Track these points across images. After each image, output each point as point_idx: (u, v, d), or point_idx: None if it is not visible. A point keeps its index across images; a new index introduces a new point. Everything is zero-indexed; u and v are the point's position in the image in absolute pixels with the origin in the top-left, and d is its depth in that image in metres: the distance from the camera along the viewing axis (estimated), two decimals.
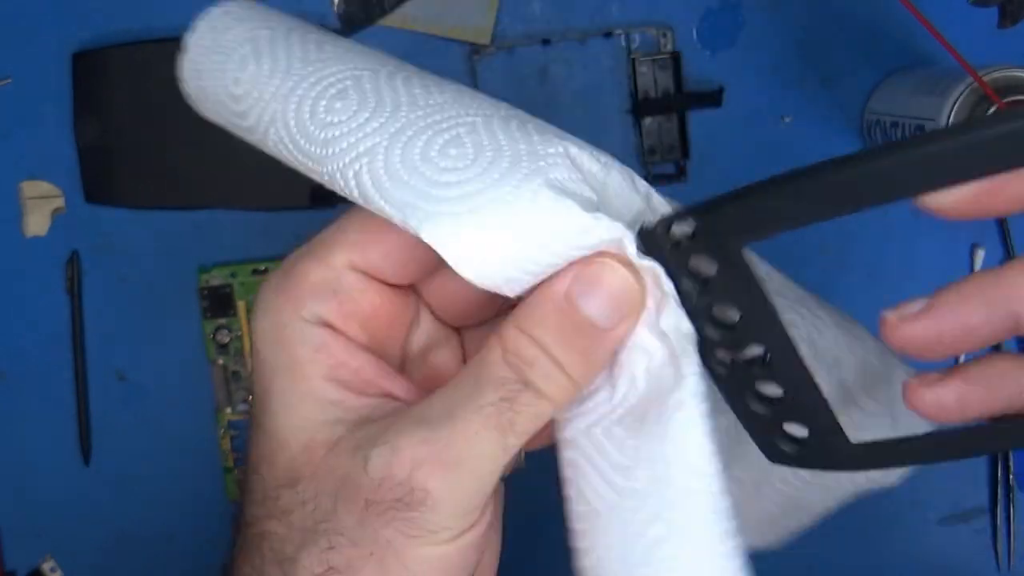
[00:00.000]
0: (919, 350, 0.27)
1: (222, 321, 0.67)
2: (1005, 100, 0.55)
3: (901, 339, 0.27)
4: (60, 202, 0.67)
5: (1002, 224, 0.66)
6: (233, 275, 0.67)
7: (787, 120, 0.66)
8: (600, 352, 0.30)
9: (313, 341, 0.32)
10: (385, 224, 0.30)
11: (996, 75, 0.56)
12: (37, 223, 0.67)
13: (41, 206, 0.67)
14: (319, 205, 0.66)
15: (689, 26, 0.65)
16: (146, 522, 0.69)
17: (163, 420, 0.68)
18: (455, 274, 0.29)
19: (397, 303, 0.34)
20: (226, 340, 0.67)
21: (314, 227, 0.67)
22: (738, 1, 0.65)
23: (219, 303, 0.66)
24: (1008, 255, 0.66)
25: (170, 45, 0.65)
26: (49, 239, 0.67)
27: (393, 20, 0.65)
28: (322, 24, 0.65)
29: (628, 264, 0.29)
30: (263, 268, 0.66)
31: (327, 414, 0.31)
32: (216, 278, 0.67)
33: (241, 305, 0.66)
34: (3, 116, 0.66)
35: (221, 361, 0.67)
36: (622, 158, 0.33)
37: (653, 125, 0.65)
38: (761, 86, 0.65)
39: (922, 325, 0.27)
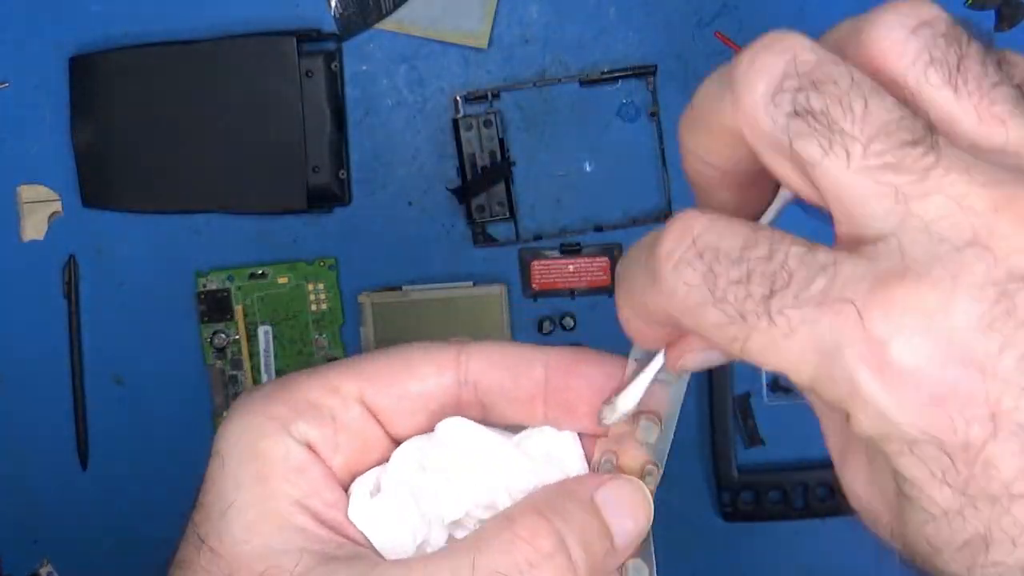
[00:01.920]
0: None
1: (219, 325, 0.67)
2: None
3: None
4: (57, 206, 0.67)
5: None
6: (230, 279, 0.66)
7: None
8: (604, 572, 0.28)
9: (293, 460, 0.29)
10: (407, 370, 0.30)
11: None
12: (34, 227, 0.67)
13: (38, 210, 0.67)
14: (316, 208, 0.66)
15: None
16: (143, 526, 0.68)
17: (160, 424, 0.68)
18: None
19: (386, 444, 0.31)
20: (223, 344, 0.67)
21: (311, 230, 0.67)
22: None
23: (216, 307, 0.66)
24: None
25: (167, 49, 0.65)
26: (46, 243, 0.67)
27: (390, 24, 0.65)
28: (319, 28, 0.65)
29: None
30: (260, 272, 0.66)
31: (291, 542, 0.28)
32: (213, 282, 0.66)
33: (238, 309, 0.66)
34: (0, 120, 0.66)
35: (218, 365, 0.67)
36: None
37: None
38: None
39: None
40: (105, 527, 0.69)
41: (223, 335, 0.67)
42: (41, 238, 0.67)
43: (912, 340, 0.20)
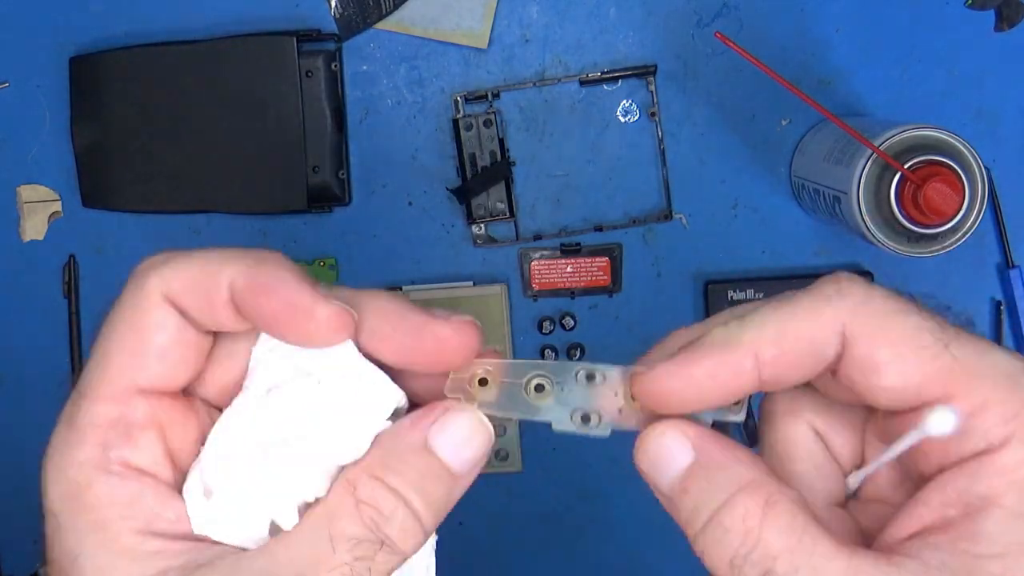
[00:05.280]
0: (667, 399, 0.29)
1: None
2: (907, 164, 0.53)
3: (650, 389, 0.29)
4: (57, 206, 0.67)
5: (1000, 228, 0.66)
6: None
7: (785, 123, 0.66)
8: (452, 501, 0.29)
9: (122, 497, 0.29)
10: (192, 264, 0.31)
11: (906, 135, 0.54)
12: (34, 227, 0.67)
13: (38, 210, 0.67)
14: (316, 208, 0.66)
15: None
16: None
17: None
18: (229, 363, 0.30)
19: (191, 415, 0.31)
20: None
21: (311, 230, 0.67)
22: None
23: None
24: (1007, 259, 0.66)
25: (167, 49, 0.65)
26: (46, 243, 0.67)
27: (390, 24, 0.65)
28: (319, 28, 0.65)
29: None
30: None
31: (151, 567, 0.28)
32: None
33: None
34: (1, 120, 0.66)
35: None
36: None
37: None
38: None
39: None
40: None
41: None
42: (41, 238, 0.67)
43: None
